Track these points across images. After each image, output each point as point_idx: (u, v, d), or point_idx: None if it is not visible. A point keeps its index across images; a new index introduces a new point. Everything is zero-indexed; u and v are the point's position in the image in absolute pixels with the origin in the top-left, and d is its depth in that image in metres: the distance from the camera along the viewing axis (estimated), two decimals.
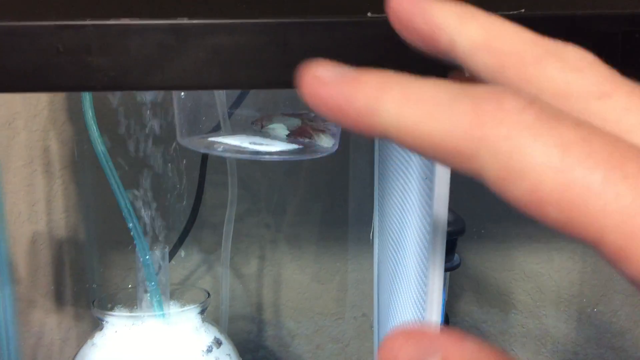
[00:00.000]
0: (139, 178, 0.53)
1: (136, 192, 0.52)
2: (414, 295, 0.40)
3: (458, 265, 0.54)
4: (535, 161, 0.14)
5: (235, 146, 0.47)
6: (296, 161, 0.68)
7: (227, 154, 0.47)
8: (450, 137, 0.15)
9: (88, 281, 0.69)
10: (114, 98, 0.52)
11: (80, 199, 0.68)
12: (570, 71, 0.17)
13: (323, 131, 0.49)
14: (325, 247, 0.71)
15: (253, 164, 0.67)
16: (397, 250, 0.48)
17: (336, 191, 0.70)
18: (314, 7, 0.30)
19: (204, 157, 0.60)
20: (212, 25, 0.30)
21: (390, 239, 0.51)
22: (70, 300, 0.70)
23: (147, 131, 0.54)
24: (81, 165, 0.67)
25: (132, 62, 0.30)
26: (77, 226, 0.68)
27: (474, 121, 0.14)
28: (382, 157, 0.56)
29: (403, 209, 0.44)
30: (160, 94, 0.50)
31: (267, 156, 0.47)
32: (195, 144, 0.48)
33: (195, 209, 0.62)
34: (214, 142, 0.47)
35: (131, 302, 0.53)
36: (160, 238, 0.54)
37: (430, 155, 0.15)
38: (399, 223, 0.46)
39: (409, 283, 0.42)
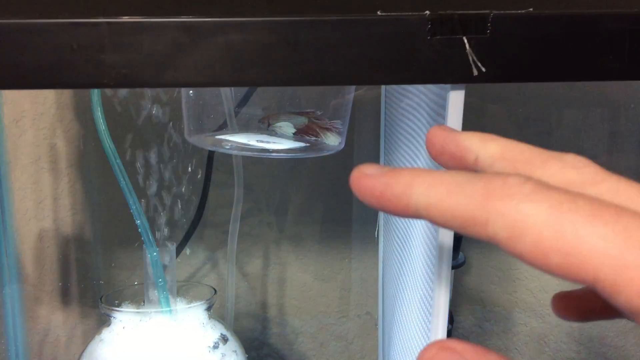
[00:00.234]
0: (145, 176, 0.54)
1: (143, 190, 0.52)
2: (420, 293, 0.41)
3: (463, 263, 0.54)
4: (534, 220, 0.17)
5: (242, 144, 0.47)
6: (300, 160, 0.68)
7: (234, 152, 0.48)
8: (467, 208, 0.18)
9: (94, 278, 0.70)
10: (120, 98, 0.53)
11: (87, 196, 0.68)
12: (570, 168, 0.21)
13: (329, 129, 0.50)
14: (329, 245, 0.72)
15: (257, 163, 0.68)
16: (402, 248, 0.48)
17: (340, 189, 0.70)
18: (325, 6, 0.30)
19: (210, 156, 0.60)
20: (224, 23, 0.30)
21: (395, 237, 0.51)
22: (76, 297, 0.70)
23: (154, 129, 0.55)
24: (88, 163, 0.67)
25: (145, 60, 0.30)
26: (83, 224, 0.69)
27: (485, 195, 0.18)
28: (387, 155, 0.56)
29: None
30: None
31: (274, 154, 0.47)
32: (202, 141, 0.49)
33: (201, 207, 0.63)
34: (221, 140, 0.48)
35: (138, 299, 0.53)
36: (166, 235, 0.54)
37: (453, 225, 0.19)
38: (405, 221, 0.47)
39: (415, 281, 0.42)
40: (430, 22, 0.29)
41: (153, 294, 0.50)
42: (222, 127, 0.50)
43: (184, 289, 0.55)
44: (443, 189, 0.19)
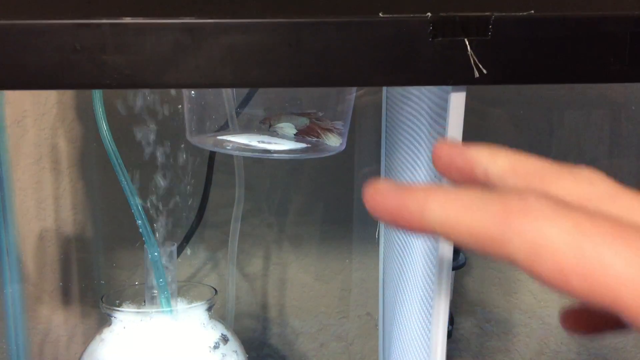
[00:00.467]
0: (146, 176, 0.54)
1: (144, 190, 0.52)
2: (421, 294, 0.41)
3: (464, 264, 0.54)
4: (554, 241, 0.17)
5: (243, 144, 0.47)
6: (300, 161, 0.68)
7: (236, 152, 0.48)
8: (485, 227, 0.18)
9: (95, 278, 0.70)
10: (121, 98, 0.53)
11: (88, 196, 0.68)
12: (584, 183, 0.20)
13: (331, 130, 0.50)
14: (329, 246, 0.72)
15: (257, 164, 0.68)
16: (403, 249, 0.48)
17: (340, 190, 0.70)
18: (326, 8, 0.30)
19: (211, 156, 0.61)
20: (226, 25, 0.30)
21: (396, 238, 0.51)
22: (77, 297, 0.70)
23: (155, 129, 0.55)
24: (89, 163, 0.68)
25: (147, 61, 0.30)
26: (84, 224, 0.69)
27: (503, 214, 0.18)
28: (388, 157, 0.56)
29: None
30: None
31: (275, 155, 0.47)
32: (204, 142, 0.49)
33: (202, 207, 0.63)
34: (223, 141, 0.48)
35: (139, 299, 0.53)
36: (167, 236, 0.54)
37: (469, 243, 0.19)
38: None
39: (416, 281, 0.42)
40: (431, 24, 0.29)
41: (154, 294, 0.50)
42: (224, 128, 0.50)
43: (185, 289, 0.55)
44: (458, 206, 0.18)
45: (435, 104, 0.35)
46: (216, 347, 0.50)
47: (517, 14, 0.29)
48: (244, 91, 0.50)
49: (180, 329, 0.50)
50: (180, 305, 0.51)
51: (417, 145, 0.42)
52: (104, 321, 0.52)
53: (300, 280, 0.72)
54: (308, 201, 0.70)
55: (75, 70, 0.30)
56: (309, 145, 0.49)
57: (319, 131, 0.50)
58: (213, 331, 0.51)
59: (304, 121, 0.50)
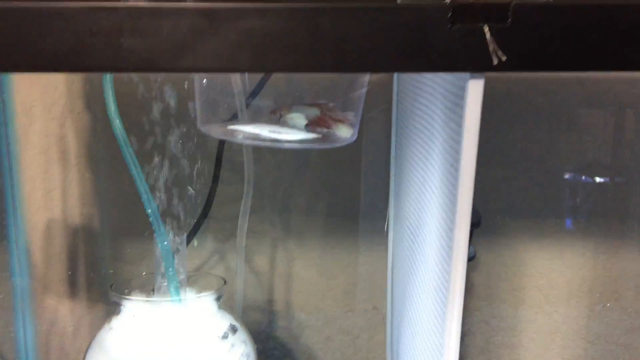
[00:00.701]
0: (155, 165, 0.54)
1: (152, 179, 0.52)
2: (434, 286, 0.41)
3: (473, 257, 0.54)
4: None
5: (254, 134, 0.47)
6: (307, 154, 0.68)
7: (247, 142, 0.48)
8: None
9: (102, 269, 0.70)
10: (132, 86, 0.53)
11: (96, 187, 0.68)
12: None
13: (342, 121, 0.49)
14: (335, 239, 0.72)
15: (263, 158, 0.68)
16: (415, 241, 0.48)
17: (347, 183, 0.70)
18: None
19: (220, 147, 0.60)
20: (244, 9, 0.30)
21: (407, 231, 0.51)
22: (83, 288, 0.70)
23: (165, 118, 0.55)
24: (97, 154, 0.67)
25: (164, 44, 0.30)
26: (91, 214, 0.69)
27: None
28: (399, 146, 0.56)
29: (422, 200, 0.45)
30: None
31: (286, 144, 0.47)
32: (215, 131, 0.48)
33: (210, 198, 0.63)
34: (234, 130, 0.48)
35: (147, 289, 0.53)
36: (176, 226, 0.54)
37: None
38: (418, 214, 0.47)
39: (429, 274, 0.42)
40: (451, 10, 0.29)
41: (163, 283, 0.50)
42: (234, 118, 0.50)
43: (193, 279, 0.55)
44: None
45: (451, 93, 0.35)
46: (225, 337, 0.50)
47: (537, 0, 0.29)
48: (254, 82, 0.50)
49: (189, 318, 0.49)
50: (189, 295, 0.51)
51: (430, 136, 0.42)
52: (111, 312, 0.52)
53: (306, 273, 0.72)
54: (314, 194, 0.70)
55: (91, 53, 0.30)
56: (319, 136, 0.49)
57: (329, 122, 0.49)
58: (222, 321, 0.51)
59: (315, 112, 0.50)
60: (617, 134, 0.70)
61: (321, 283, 0.73)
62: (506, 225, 0.72)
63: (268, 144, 0.47)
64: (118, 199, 0.68)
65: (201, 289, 0.53)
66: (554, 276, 0.73)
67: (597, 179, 0.71)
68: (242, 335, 0.52)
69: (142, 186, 0.47)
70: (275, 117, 0.50)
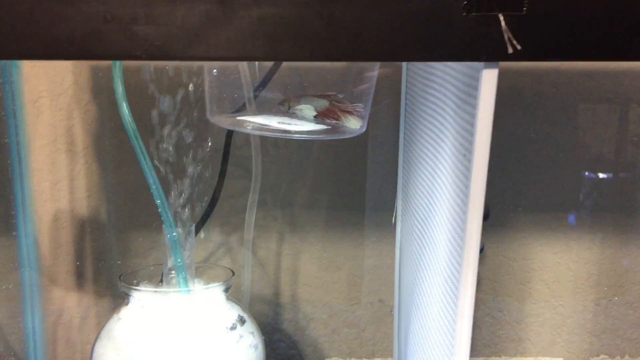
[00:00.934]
0: (163, 159, 0.54)
1: (161, 172, 0.52)
2: (445, 278, 0.41)
3: (482, 250, 0.54)
4: None
5: (264, 125, 0.47)
6: (311, 146, 0.68)
7: (256, 132, 0.47)
8: None
9: (109, 260, 0.70)
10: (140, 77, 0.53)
11: (102, 178, 0.68)
12: None
13: (351, 113, 0.49)
14: (341, 232, 0.72)
15: (268, 151, 0.67)
16: (424, 233, 0.48)
17: (353, 175, 0.70)
18: None
19: (228, 139, 0.60)
20: None
21: (416, 222, 0.51)
22: (90, 279, 0.70)
23: (173, 110, 0.55)
24: (104, 145, 0.67)
25: (178, 32, 0.30)
26: (98, 205, 0.69)
27: None
28: (407, 138, 0.56)
29: (432, 191, 0.45)
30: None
31: (295, 135, 0.47)
32: (224, 121, 0.48)
33: (217, 191, 0.63)
34: (243, 121, 0.48)
35: (155, 280, 0.53)
36: (183, 217, 0.54)
37: None
38: (427, 205, 0.46)
39: (439, 267, 0.42)
40: None
41: (171, 274, 0.50)
42: (243, 109, 0.50)
43: (201, 271, 0.55)
44: None
45: (463, 83, 0.35)
46: (233, 328, 0.50)
47: None
48: (263, 73, 0.50)
49: (197, 309, 0.50)
50: (198, 286, 0.51)
51: (441, 127, 0.42)
52: (118, 303, 0.52)
53: (312, 266, 0.72)
54: (320, 187, 0.70)
55: (105, 40, 0.30)
56: (328, 127, 0.49)
57: (338, 113, 0.49)
58: (230, 312, 0.51)
59: (324, 103, 0.50)
60: (625, 128, 0.70)
61: (327, 276, 0.73)
62: (513, 219, 0.72)
63: (277, 134, 0.47)
64: (125, 190, 0.68)
65: (209, 280, 0.53)
66: (561, 270, 0.73)
67: (605, 174, 0.71)
68: (250, 327, 0.52)
69: (150, 176, 0.47)
70: (284, 109, 0.50)
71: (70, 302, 0.71)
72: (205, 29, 0.30)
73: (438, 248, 0.42)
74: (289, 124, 0.48)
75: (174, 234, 0.49)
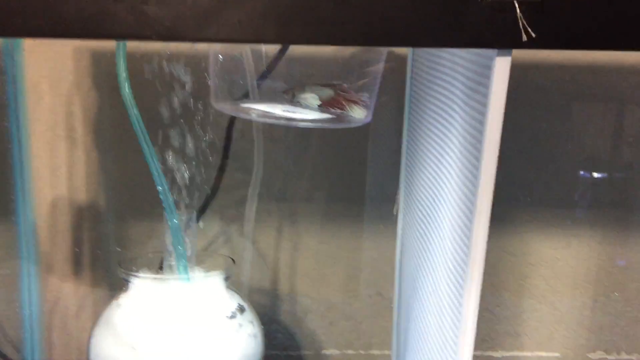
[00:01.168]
0: (164, 146, 0.53)
1: (162, 159, 0.52)
2: (450, 271, 0.40)
3: None
4: None
5: (268, 112, 0.47)
6: (314, 137, 0.68)
7: (261, 119, 0.47)
8: None
9: (107, 247, 0.69)
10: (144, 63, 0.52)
11: (102, 165, 0.68)
12: None
13: (356, 102, 0.49)
14: (341, 224, 0.71)
15: (269, 142, 0.67)
16: (428, 225, 0.47)
17: (353, 167, 0.70)
18: None
19: (230, 127, 0.60)
20: None
21: (419, 213, 0.51)
22: (88, 267, 0.70)
23: (176, 96, 0.54)
24: (104, 132, 0.67)
25: (188, 13, 0.30)
26: (97, 192, 0.68)
27: None
28: (412, 129, 0.55)
29: (437, 183, 0.44)
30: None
31: (301, 123, 0.47)
32: (228, 108, 0.48)
33: (218, 179, 0.62)
34: (248, 108, 0.47)
35: (153, 267, 0.53)
36: (183, 205, 0.54)
37: None
38: (432, 197, 0.46)
39: (444, 261, 0.42)
40: None
41: (171, 261, 0.50)
42: (245, 97, 0.49)
43: (201, 259, 0.54)
44: None
45: (473, 72, 0.34)
46: (233, 316, 0.50)
47: None
48: (268, 60, 0.49)
49: (197, 297, 0.49)
50: (198, 274, 0.51)
51: (448, 117, 0.42)
52: (115, 291, 0.52)
53: (310, 258, 0.72)
54: (321, 178, 0.70)
55: (115, 20, 0.29)
56: (333, 116, 0.49)
57: (343, 103, 0.49)
58: (230, 301, 0.51)
59: (329, 92, 0.49)
60: (625, 126, 0.70)
61: (325, 268, 0.72)
62: (512, 214, 0.72)
63: (282, 122, 0.47)
64: (124, 177, 0.68)
65: (209, 268, 0.53)
66: (559, 266, 0.73)
67: (605, 170, 0.71)
68: (249, 316, 0.51)
69: (153, 163, 0.47)
70: (289, 97, 0.50)
71: (68, 289, 0.70)
72: (216, 10, 0.29)
73: (443, 241, 0.42)
74: (293, 112, 0.48)
75: (175, 220, 0.48)
